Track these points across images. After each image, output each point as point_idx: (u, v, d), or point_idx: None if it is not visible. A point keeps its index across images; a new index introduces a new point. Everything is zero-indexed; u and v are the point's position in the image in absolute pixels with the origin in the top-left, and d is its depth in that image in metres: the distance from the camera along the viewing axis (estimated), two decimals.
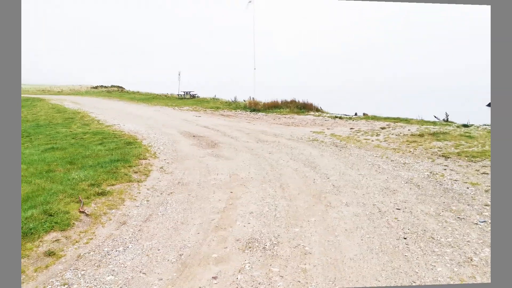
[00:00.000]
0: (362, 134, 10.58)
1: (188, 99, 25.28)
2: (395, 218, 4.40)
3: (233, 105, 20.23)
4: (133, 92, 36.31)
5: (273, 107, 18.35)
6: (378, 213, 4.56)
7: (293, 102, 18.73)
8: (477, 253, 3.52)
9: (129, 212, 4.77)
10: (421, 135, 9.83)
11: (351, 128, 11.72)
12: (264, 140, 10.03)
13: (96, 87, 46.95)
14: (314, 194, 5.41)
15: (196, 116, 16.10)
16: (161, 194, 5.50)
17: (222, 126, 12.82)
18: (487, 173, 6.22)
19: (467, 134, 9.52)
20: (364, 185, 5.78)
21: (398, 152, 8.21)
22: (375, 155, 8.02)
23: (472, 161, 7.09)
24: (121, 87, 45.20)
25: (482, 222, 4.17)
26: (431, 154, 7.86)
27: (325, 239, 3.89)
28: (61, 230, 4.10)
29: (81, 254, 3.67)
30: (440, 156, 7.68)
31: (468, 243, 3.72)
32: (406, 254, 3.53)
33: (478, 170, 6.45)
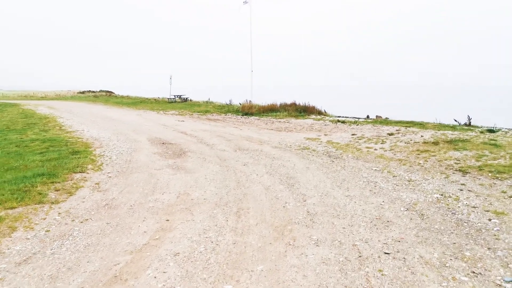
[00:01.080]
0: (365, 142, 9.32)
1: (178, 103, 24.29)
2: (379, 270, 3.12)
3: (225, 109, 19.12)
4: (122, 97, 35.58)
5: (269, 110, 17.17)
6: (356, 260, 3.30)
7: (292, 105, 17.53)
8: None
9: (9, 248, 3.65)
10: (435, 143, 8.52)
11: (352, 134, 10.46)
12: (245, 149, 8.85)
13: (83, 92, 46.70)
14: (277, 226, 4.20)
15: (179, 121, 15.03)
16: (72, 221, 4.37)
17: (203, 132, 11.69)
18: None
19: (492, 141, 8.16)
20: (349, 213, 4.54)
21: (404, 165, 6.94)
22: (374, 168, 6.77)
23: (497, 178, 5.76)
24: (110, 92, 44.75)
25: (509, 282, 2.83)
26: (446, 168, 6.55)
27: None
28: None
29: None
30: (456, 170, 6.36)
31: None
32: None
33: (505, 192, 5.11)
